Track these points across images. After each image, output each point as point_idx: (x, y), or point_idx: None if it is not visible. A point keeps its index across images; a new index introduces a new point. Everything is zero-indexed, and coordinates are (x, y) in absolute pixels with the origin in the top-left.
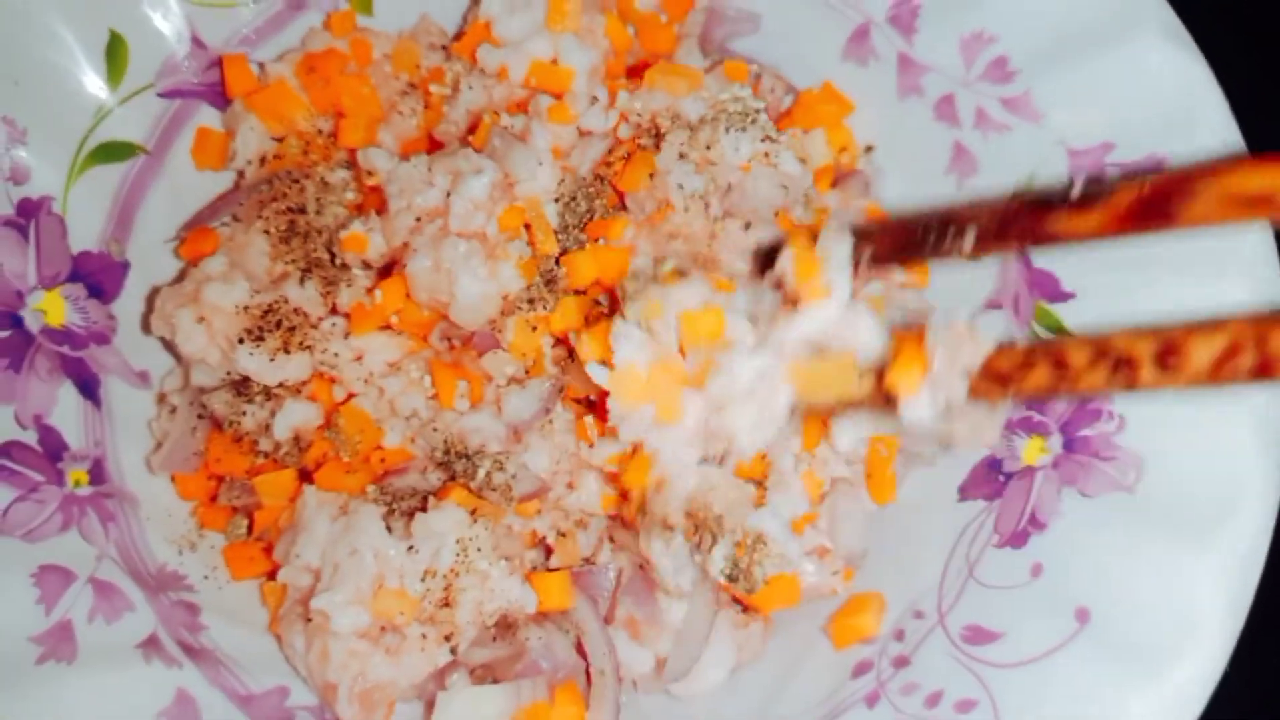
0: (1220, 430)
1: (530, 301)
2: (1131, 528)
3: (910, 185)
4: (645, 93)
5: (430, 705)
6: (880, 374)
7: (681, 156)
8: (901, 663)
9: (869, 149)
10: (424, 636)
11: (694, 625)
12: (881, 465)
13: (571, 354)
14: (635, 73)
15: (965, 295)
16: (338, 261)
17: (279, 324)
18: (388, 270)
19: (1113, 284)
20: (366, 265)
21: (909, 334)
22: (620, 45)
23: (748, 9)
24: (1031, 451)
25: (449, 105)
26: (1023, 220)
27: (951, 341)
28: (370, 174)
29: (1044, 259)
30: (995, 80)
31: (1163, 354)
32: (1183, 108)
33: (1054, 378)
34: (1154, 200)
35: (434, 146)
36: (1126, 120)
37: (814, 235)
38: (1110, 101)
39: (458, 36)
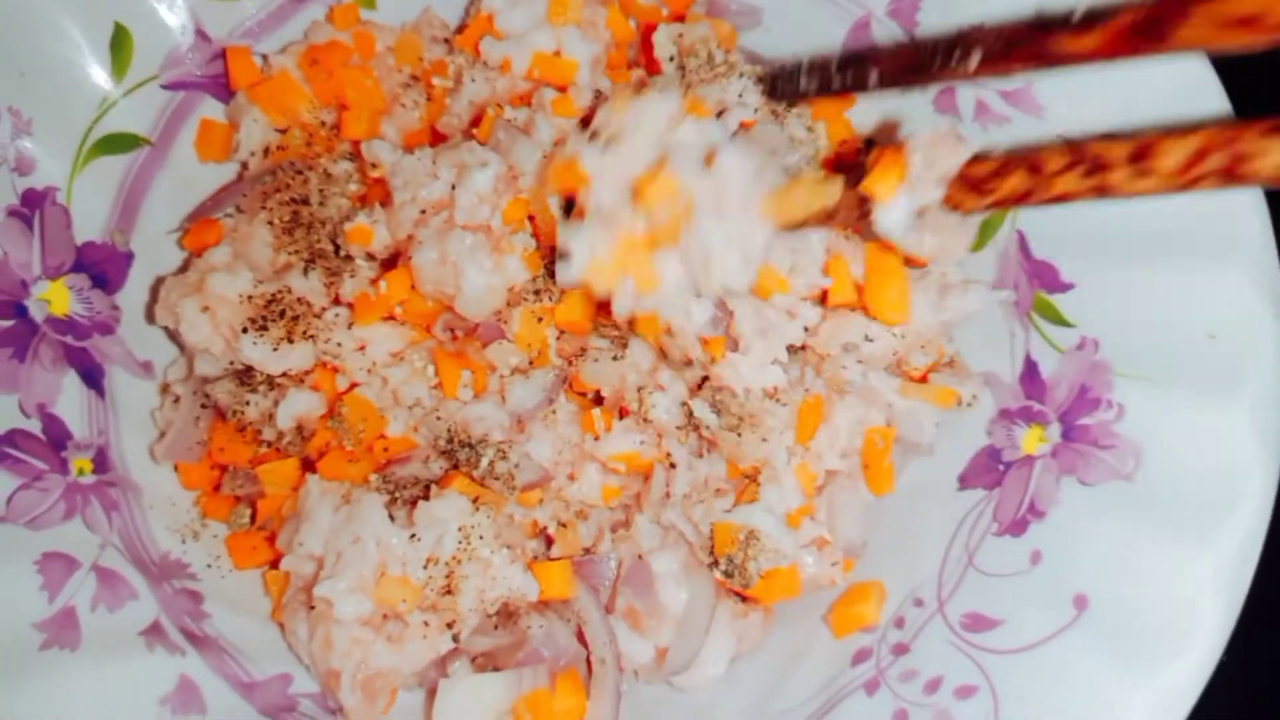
0: (1219, 419)
1: (535, 293)
2: (1130, 516)
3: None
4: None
5: (432, 693)
6: (856, 182)
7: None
8: (901, 650)
9: (869, 142)
10: (426, 624)
11: (694, 617)
12: (878, 456)
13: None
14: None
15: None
16: (341, 252)
17: (283, 314)
18: (391, 261)
19: (1112, 273)
20: (370, 256)
21: (889, 143)
22: (622, 38)
23: (749, 3)
24: (1031, 440)
25: (451, 98)
26: (1026, 41)
27: (930, 147)
28: (374, 166)
29: (1044, 250)
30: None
31: (1135, 155)
32: (1182, 100)
33: (1029, 182)
34: (1150, 21)
35: (436, 139)
36: (1126, 112)
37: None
38: (1110, 93)
39: (460, 29)
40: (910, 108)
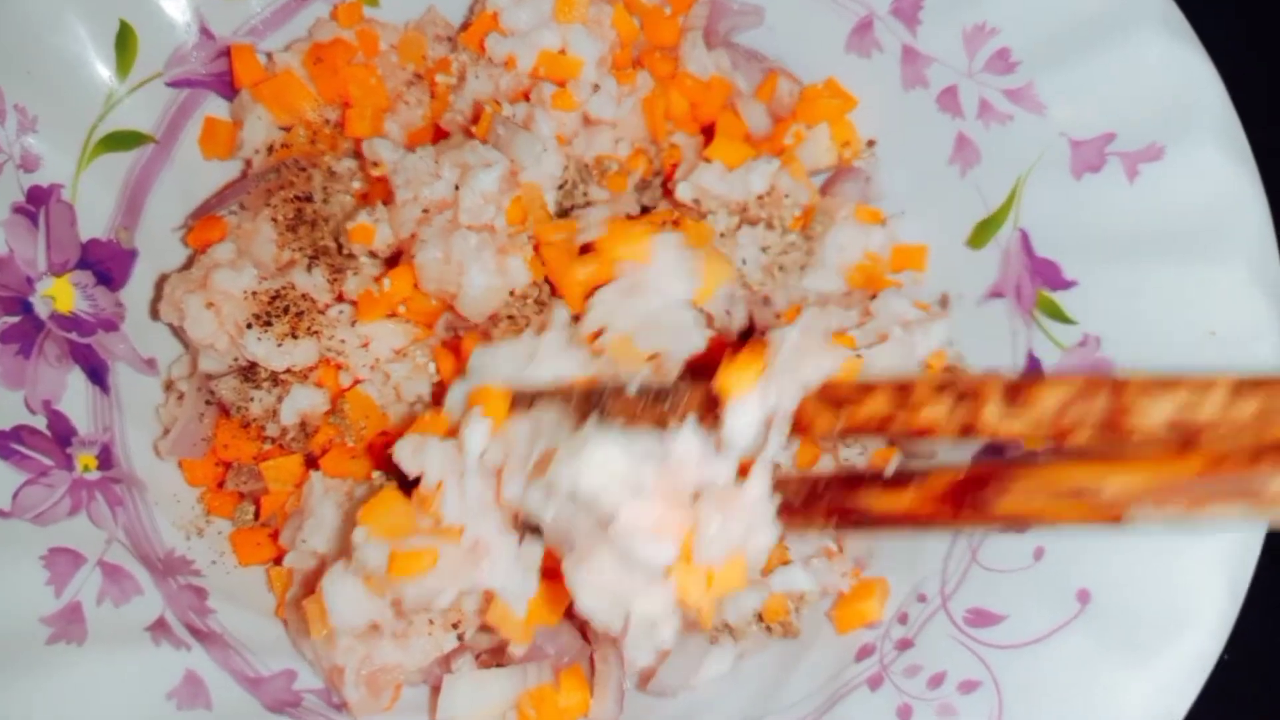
0: None
1: (538, 302)
2: None
3: (913, 176)
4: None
5: (436, 689)
6: (706, 379)
7: None
8: (905, 645)
9: (871, 144)
10: (431, 622)
11: (686, 649)
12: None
13: None
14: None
15: (967, 285)
16: (344, 250)
17: (286, 309)
18: (394, 259)
19: (1115, 271)
20: (373, 254)
21: (752, 340)
22: (626, 36)
23: (752, 2)
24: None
25: (455, 95)
26: (832, 493)
27: (794, 351)
28: (376, 165)
29: (1046, 248)
30: (998, 71)
31: (1011, 393)
32: (1183, 99)
33: (892, 405)
34: (969, 487)
35: (439, 136)
36: (1128, 111)
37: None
38: (1112, 92)
39: (464, 27)
40: (914, 106)
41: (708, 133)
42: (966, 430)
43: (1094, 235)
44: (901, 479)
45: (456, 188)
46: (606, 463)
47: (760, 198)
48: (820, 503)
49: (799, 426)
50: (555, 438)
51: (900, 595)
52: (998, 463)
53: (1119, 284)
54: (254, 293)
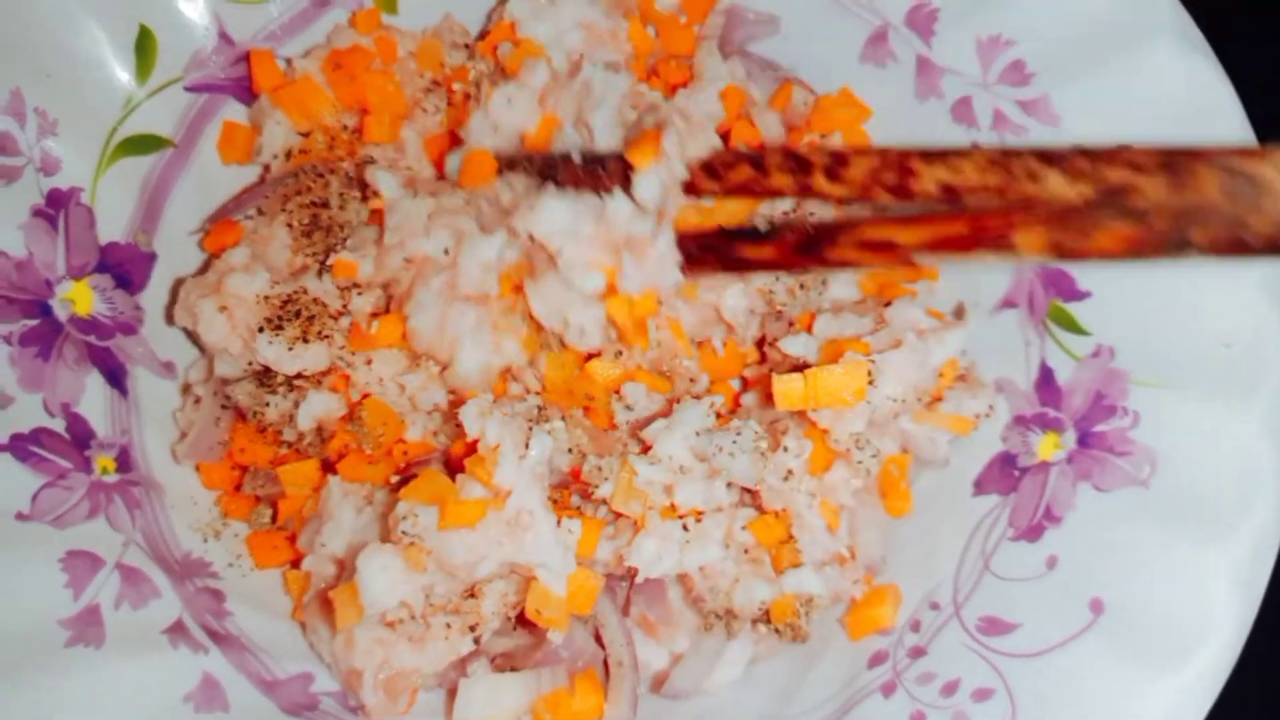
0: (1234, 425)
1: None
2: (1146, 521)
3: None
4: None
5: (452, 692)
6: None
7: None
8: (918, 653)
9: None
10: (448, 625)
11: (700, 652)
12: (894, 483)
13: None
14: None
15: (980, 294)
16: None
17: (298, 313)
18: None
19: (1128, 282)
20: (355, 286)
21: (651, 128)
22: (642, 49)
23: (767, 11)
24: (1047, 447)
25: (472, 103)
26: (720, 246)
27: (683, 134)
28: (376, 195)
29: None
30: (1013, 83)
31: (832, 162)
32: (1197, 110)
33: (751, 177)
34: (809, 242)
35: (454, 143)
36: (1142, 123)
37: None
38: (1126, 104)
39: (481, 36)
40: (929, 116)
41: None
42: (804, 191)
43: None
44: (768, 234)
45: (446, 251)
46: (554, 214)
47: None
48: (711, 253)
49: (690, 189)
50: (522, 193)
51: (913, 602)
52: (830, 223)
53: (1133, 295)
54: (266, 296)
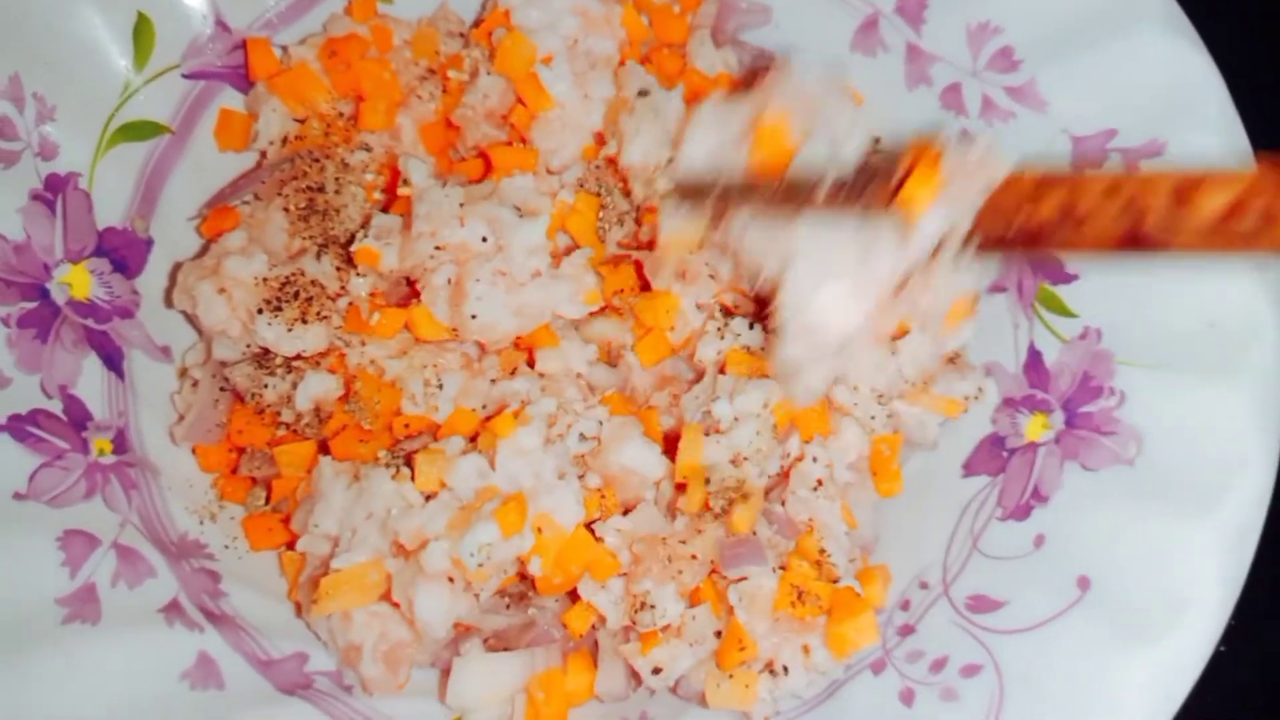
0: (1219, 405)
1: None
2: (1132, 499)
3: None
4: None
5: (446, 672)
6: (885, 186)
7: None
8: (907, 631)
9: (876, 141)
10: (451, 579)
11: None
12: (885, 463)
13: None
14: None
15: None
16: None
17: (296, 295)
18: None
19: (1115, 265)
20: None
21: (925, 151)
22: (635, 35)
23: (760, 1)
24: (1034, 428)
25: (467, 91)
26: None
27: (966, 162)
28: (405, 183)
29: None
30: (1001, 69)
31: (1177, 195)
32: (1184, 95)
33: (1061, 214)
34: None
35: (451, 131)
36: (1129, 108)
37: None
38: (1113, 89)
39: (476, 24)
40: (918, 104)
41: None
42: (1135, 233)
43: None
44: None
45: (485, 239)
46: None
47: None
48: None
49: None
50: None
51: (903, 582)
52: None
53: (1119, 277)
54: (264, 279)
